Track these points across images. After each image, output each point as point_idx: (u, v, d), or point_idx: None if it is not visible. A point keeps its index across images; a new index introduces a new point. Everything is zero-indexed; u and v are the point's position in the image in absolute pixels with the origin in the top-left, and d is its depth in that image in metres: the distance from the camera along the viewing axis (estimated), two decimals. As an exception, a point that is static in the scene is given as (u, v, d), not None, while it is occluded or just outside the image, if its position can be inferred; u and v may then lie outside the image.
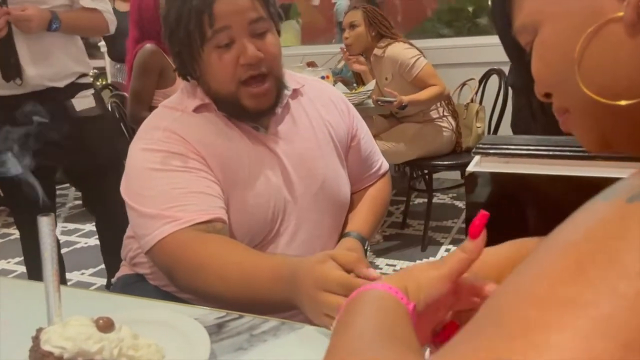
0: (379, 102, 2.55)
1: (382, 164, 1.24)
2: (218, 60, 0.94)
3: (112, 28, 1.96)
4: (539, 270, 0.29)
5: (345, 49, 2.86)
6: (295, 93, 1.09)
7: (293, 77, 1.11)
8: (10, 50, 1.73)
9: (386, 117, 2.80)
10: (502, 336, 0.27)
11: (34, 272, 2.08)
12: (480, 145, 1.21)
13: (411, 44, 2.67)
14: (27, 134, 1.51)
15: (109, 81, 3.84)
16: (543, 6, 0.44)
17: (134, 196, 0.95)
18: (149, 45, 2.34)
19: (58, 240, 2.09)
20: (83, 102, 1.88)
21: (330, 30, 4.82)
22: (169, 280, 0.96)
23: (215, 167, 0.97)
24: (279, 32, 1.01)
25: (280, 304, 0.81)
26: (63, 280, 2.14)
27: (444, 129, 2.70)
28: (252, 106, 0.98)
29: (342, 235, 1.12)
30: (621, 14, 0.39)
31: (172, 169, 0.94)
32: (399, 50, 2.62)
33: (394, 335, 0.40)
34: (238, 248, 0.91)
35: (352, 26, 2.71)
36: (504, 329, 0.27)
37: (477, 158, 1.22)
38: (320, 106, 1.12)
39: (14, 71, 1.74)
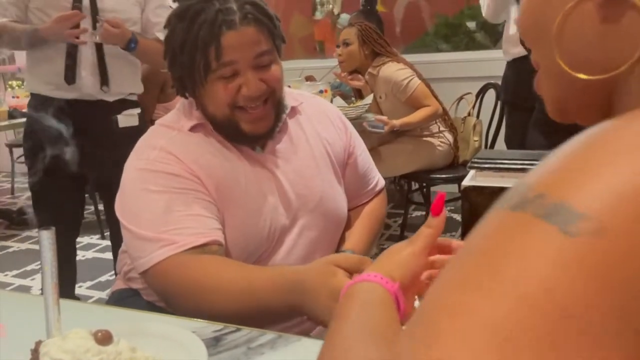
0: (369, 130, 2.55)
1: (379, 180, 1.25)
2: (219, 89, 0.94)
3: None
4: (441, 277, 0.32)
5: (337, 72, 2.89)
6: (293, 111, 1.09)
7: (291, 94, 1.11)
8: (73, 57, 1.80)
9: None
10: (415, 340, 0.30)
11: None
12: (476, 160, 1.23)
13: (406, 64, 2.69)
14: (68, 141, 1.59)
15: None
16: None
17: (130, 217, 0.95)
18: None
19: (75, 249, 2.22)
20: (127, 119, 1.94)
21: (332, 45, 4.86)
22: (165, 302, 0.96)
23: (211, 186, 0.97)
24: (280, 55, 1.00)
25: (284, 313, 0.84)
26: (72, 293, 2.15)
27: (442, 143, 2.72)
28: (250, 130, 0.98)
29: (338, 252, 1.12)
30: None
31: (168, 191, 0.94)
32: (392, 70, 2.64)
33: (378, 332, 0.46)
34: (235, 265, 0.92)
35: (346, 44, 2.74)
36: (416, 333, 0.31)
37: (472, 172, 1.24)
38: (317, 123, 1.12)
39: (70, 76, 1.81)
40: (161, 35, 1.86)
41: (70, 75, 1.82)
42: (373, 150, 2.73)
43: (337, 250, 1.14)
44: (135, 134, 1.86)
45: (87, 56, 1.84)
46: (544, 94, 0.49)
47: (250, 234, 1.00)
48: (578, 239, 0.28)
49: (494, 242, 0.31)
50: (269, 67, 0.96)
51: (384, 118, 2.54)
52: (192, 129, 1.01)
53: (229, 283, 0.88)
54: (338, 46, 2.82)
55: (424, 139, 2.71)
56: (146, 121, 2.32)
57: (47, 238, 0.61)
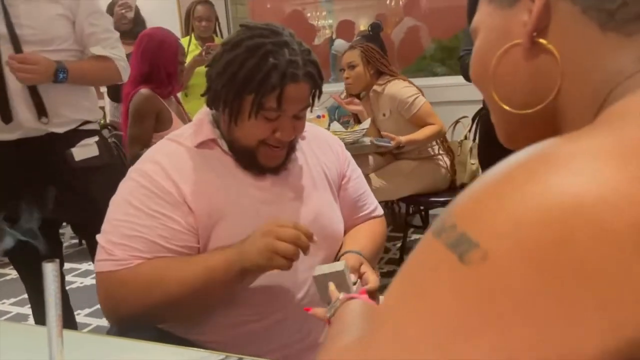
0: (376, 144, 2.59)
1: (377, 208, 1.28)
2: (260, 126, 1.00)
3: (125, 76, 1.85)
4: (386, 294, 0.38)
5: (337, 95, 2.91)
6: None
7: None
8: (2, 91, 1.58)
9: (382, 154, 2.84)
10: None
11: (40, 316, 1.95)
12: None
13: (410, 82, 2.72)
14: (21, 186, 1.41)
15: (108, 120, 3.88)
16: (482, 17, 0.52)
17: (106, 220, 1.03)
18: (143, 90, 2.33)
19: (63, 277, 2.04)
20: (84, 151, 1.71)
21: (325, 70, 4.92)
22: (113, 309, 1.01)
23: (199, 203, 1.01)
24: (311, 109, 1.10)
25: (236, 279, 0.96)
26: (73, 323, 2.04)
27: (439, 166, 2.74)
28: (265, 163, 1.06)
29: (339, 256, 1.13)
30: (520, 40, 0.46)
31: (142, 209, 0.99)
32: (398, 88, 2.67)
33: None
34: (176, 258, 1.00)
35: (351, 66, 2.77)
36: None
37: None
38: (316, 148, 1.19)
39: (5, 114, 1.58)
40: (101, 50, 1.69)
41: (5, 113, 1.60)
42: (370, 175, 2.75)
43: (337, 255, 1.14)
44: (98, 165, 1.69)
45: (16, 88, 1.60)
46: (495, 128, 0.54)
47: None
48: (470, 266, 0.31)
49: (416, 266, 0.36)
50: (302, 119, 1.05)
51: (391, 135, 2.56)
52: (198, 145, 1.06)
53: (184, 270, 0.97)
54: (342, 70, 2.86)
55: (422, 162, 2.72)
56: (136, 153, 2.17)
57: (51, 271, 0.62)
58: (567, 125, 0.47)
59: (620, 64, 0.43)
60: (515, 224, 0.30)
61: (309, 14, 5.36)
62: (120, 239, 0.99)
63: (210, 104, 1.06)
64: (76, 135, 1.71)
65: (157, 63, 2.36)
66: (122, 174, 1.09)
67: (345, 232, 1.20)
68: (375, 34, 3.25)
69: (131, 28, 3.56)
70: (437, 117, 2.66)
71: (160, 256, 0.99)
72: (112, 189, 1.05)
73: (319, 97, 1.07)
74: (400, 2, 4.83)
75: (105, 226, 1.03)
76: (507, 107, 0.49)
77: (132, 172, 1.05)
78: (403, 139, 2.57)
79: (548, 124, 0.48)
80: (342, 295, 0.82)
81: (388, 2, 5.27)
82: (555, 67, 0.45)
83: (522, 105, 0.48)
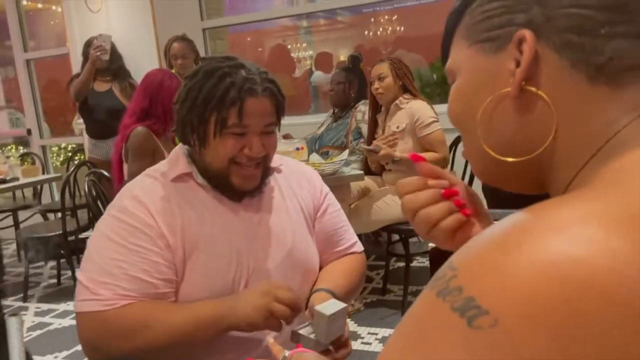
0: (365, 148, 2.62)
1: (356, 244, 1.27)
2: (227, 143, 1.02)
3: None
4: (385, 347, 0.37)
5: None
6: (272, 170, 1.16)
7: (273, 158, 1.18)
8: None
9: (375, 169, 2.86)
10: None
11: None
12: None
13: (432, 107, 2.74)
14: None
15: (87, 157, 3.87)
16: (460, 59, 0.52)
17: (85, 257, 1.03)
18: (140, 128, 2.43)
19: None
20: None
21: (306, 102, 4.98)
22: (96, 349, 1.00)
23: (173, 236, 1.03)
24: (279, 128, 1.11)
25: (221, 332, 0.98)
26: None
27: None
28: (238, 184, 1.07)
29: (312, 292, 1.13)
30: (509, 89, 0.46)
31: (123, 244, 1.00)
32: (422, 106, 2.71)
33: None
34: (164, 303, 1.00)
35: (381, 78, 2.80)
36: None
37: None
38: (293, 181, 1.20)
39: None
40: None
41: None
42: (352, 206, 2.76)
43: (311, 292, 1.14)
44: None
45: None
46: (472, 166, 0.54)
47: (215, 278, 1.04)
48: (480, 332, 0.31)
49: (420, 327, 0.35)
50: (271, 136, 1.07)
51: (381, 145, 2.57)
52: (174, 179, 1.08)
53: (171, 317, 0.98)
54: (371, 83, 2.87)
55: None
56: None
57: (14, 324, 0.61)
58: (554, 173, 0.47)
59: (613, 115, 0.43)
60: (527, 296, 0.30)
61: (289, 46, 5.45)
62: (103, 276, 0.98)
63: (180, 137, 1.08)
64: None
65: (156, 99, 2.50)
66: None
67: (321, 267, 1.20)
68: (354, 66, 3.29)
69: (108, 65, 3.58)
70: (446, 147, 2.68)
71: (146, 293, 0.99)
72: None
73: (282, 115, 1.08)
74: (378, 33, 4.94)
75: (85, 264, 1.02)
76: (494, 154, 0.48)
77: (111, 209, 1.06)
78: (397, 153, 2.59)
79: (533, 170, 0.48)
80: (287, 352, 0.81)
81: (366, 33, 5.38)
82: (548, 116, 0.45)
83: (510, 153, 0.48)
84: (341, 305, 0.97)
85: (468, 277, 0.34)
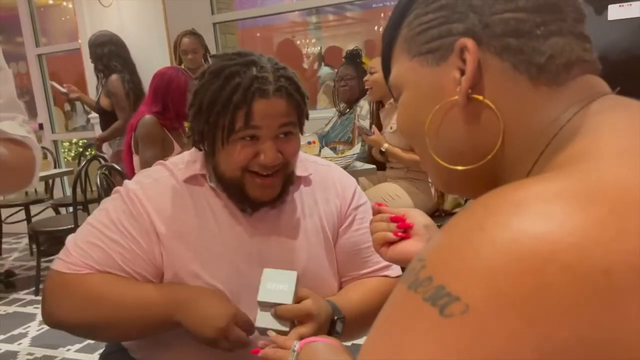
0: (359, 125, 2.64)
1: (390, 268, 1.08)
2: (237, 150, 0.93)
3: (36, 179, 1.00)
4: (363, 350, 0.37)
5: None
6: (299, 181, 1.06)
7: (305, 162, 1.09)
8: None
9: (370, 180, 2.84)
10: None
11: None
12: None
13: None
14: None
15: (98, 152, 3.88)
16: (403, 72, 0.52)
17: (85, 222, 1.03)
18: (148, 116, 2.44)
19: None
20: None
21: (313, 96, 4.97)
22: (50, 310, 0.98)
23: (171, 240, 0.97)
24: (302, 131, 0.99)
25: (161, 314, 0.93)
26: None
27: (422, 190, 2.73)
28: (255, 195, 0.97)
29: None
30: (456, 97, 0.47)
31: (114, 224, 0.98)
32: None
33: None
34: (124, 279, 0.96)
35: (371, 73, 2.80)
36: None
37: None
38: (320, 195, 1.08)
39: None
40: (16, 128, 0.93)
41: None
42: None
43: None
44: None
45: None
46: (429, 176, 0.55)
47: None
48: (451, 319, 0.32)
49: (393, 321, 0.36)
50: (289, 140, 0.96)
51: (377, 131, 2.59)
52: (189, 179, 1.01)
53: (123, 298, 0.95)
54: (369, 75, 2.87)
55: (414, 181, 2.72)
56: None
57: None
58: (506, 175, 0.48)
59: (556, 112, 0.44)
60: (493, 274, 0.31)
61: (298, 42, 5.44)
62: (82, 243, 0.98)
63: (192, 143, 1.00)
64: None
65: (167, 102, 2.48)
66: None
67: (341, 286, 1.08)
68: (351, 61, 3.24)
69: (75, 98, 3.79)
70: None
71: (111, 272, 0.96)
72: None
73: (305, 117, 0.98)
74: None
75: (80, 227, 1.02)
76: (445, 164, 0.49)
77: (126, 184, 1.03)
78: (386, 144, 2.58)
79: (486, 174, 0.48)
80: (297, 344, 0.78)
81: (376, 28, 5.35)
82: (495, 123, 0.46)
83: (461, 162, 0.49)
84: (285, 274, 0.90)
85: (436, 266, 0.34)
